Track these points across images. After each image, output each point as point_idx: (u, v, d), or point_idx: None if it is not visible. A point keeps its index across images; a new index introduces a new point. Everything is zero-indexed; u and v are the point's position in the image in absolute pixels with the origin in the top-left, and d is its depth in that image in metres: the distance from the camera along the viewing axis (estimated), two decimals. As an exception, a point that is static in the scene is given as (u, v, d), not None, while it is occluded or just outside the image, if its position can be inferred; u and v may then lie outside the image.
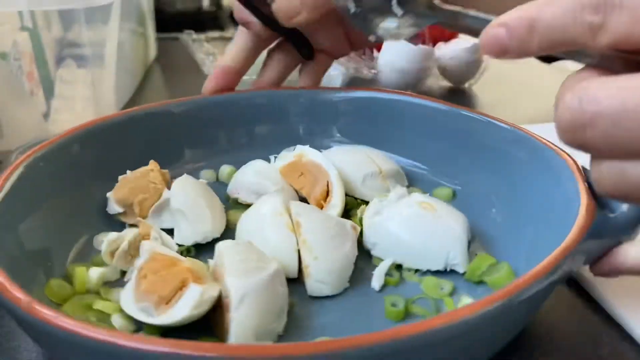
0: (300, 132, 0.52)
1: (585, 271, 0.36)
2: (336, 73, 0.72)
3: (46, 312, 0.24)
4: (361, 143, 0.48)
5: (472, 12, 0.31)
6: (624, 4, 0.23)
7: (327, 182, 0.44)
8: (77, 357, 0.25)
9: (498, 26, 0.25)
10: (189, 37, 0.90)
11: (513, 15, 0.25)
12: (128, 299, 0.31)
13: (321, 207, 0.42)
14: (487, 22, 0.27)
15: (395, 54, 0.72)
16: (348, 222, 0.39)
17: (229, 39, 0.87)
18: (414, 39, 0.77)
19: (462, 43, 0.76)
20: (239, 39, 0.50)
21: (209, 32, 0.99)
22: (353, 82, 0.72)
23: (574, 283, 0.38)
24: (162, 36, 1.00)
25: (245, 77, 0.52)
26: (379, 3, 0.35)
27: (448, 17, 0.33)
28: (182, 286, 0.30)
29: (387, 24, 0.35)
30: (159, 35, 0.98)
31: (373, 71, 0.73)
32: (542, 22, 0.25)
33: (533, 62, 0.93)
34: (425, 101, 0.47)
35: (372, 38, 0.37)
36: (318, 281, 0.35)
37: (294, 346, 0.23)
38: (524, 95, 0.79)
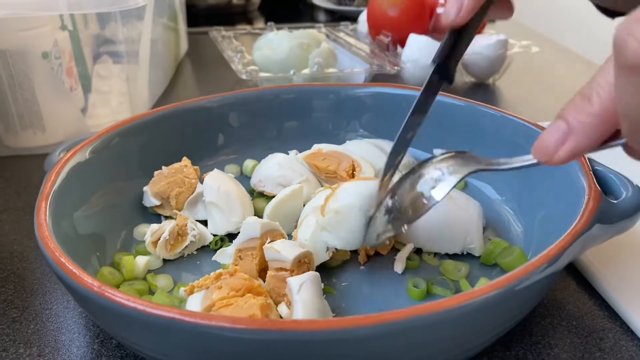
0: (323, 127, 0.54)
1: (592, 266, 0.38)
2: (360, 69, 0.72)
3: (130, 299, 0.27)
4: (381, 137, 0.50)
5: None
6: None
7: (352, 161, 0.47)
8: (140, 332, 0.28)
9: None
10: (218, 33, 0.90)
11: None
12: (196, 304, 0.33)
13: (352, 177, 0.45)
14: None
15: (418, 50, 0.71)
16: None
17: (258, 34, 0.87)
18: (437, 34, 0.77)
19: (486, 38, 0.73)
20: None
21: (238, 26, 0.99)
22: (377, 78, 0.72)
23: (578, 277, 0.39)
24: (192, 30, 1.01)
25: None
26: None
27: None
28: None
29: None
30: (189, 30, 0.99)
31: (397, 67, 0.72)
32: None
33: (558, 58, 0.91)
34: (443, 97, 0.49)
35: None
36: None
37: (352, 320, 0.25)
38: (548, 91, 0.78)
